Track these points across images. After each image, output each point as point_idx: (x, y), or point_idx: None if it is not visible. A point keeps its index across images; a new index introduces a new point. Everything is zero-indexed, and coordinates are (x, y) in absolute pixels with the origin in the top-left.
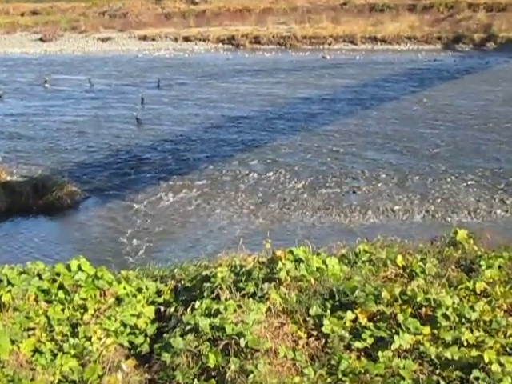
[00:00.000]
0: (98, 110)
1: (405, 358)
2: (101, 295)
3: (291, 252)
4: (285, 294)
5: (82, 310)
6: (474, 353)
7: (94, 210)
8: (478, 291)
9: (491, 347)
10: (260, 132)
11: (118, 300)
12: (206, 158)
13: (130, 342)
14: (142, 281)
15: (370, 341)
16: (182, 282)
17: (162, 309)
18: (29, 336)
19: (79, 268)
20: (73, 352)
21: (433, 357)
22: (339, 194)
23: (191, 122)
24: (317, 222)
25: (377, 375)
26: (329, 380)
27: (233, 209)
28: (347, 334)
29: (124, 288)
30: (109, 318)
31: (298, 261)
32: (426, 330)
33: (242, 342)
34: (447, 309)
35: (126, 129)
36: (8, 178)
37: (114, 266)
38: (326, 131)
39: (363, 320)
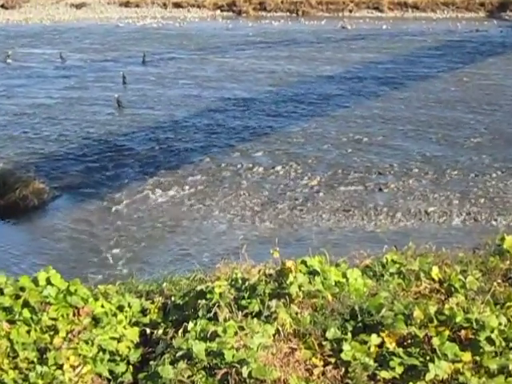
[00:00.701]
0: (70, 91)
1: None
2: (74, 314)
3: (304, 263)
4: (296, 314)
5: (51, 333)
6: None
7: (66, 211)
8: None
9: None
10: (266, 117)
11: (95, 320)
12: (202, 148)
13: (110, 371)
14: (123, 297)
15: (399, 370)
16: (173, 299)
17: (148, 331)
18: None
19: (48, 282)
20: (41, 383)
21: None
22: (362, 192)
23: (183, 105)
24: (335, 226)
25: None
26: None
27: (233, 210)
28: (372, 362)
29: (102, 306)
30: (84, 342)
31: (312, 273)
32: (467, 356)
33: (245, 372)
34: (492, 331)
35: (105, 113)
36: None
37: (91, 280)
38: (346, 116)
39: (391, 345)
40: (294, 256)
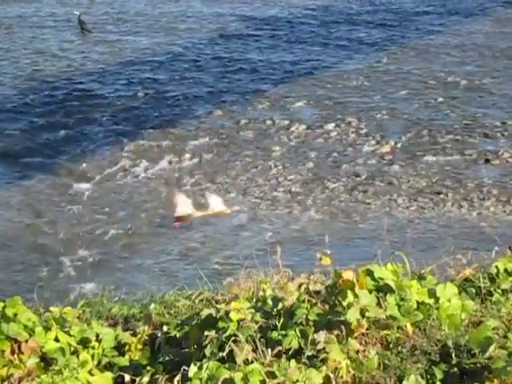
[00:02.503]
0: (6, 7)
1: None
2: (13, 352)
3: (370, 274)
4: (357, 353)
5: None
6: None
7: (1, 191)
8: None
9: None
10: (308, 47)
11: (46, 361)
12: (209, 95)
13: None
14: (89, 326)
15: None
16: (165, 329)
17: (128, 378)
18: None
19: None
20: None
21: None
22: (460, 164)
23: (180, 27)
24: (417, 216)
25: None
26: None
27: (259, 192)
28: None
29: (56, 339)
30: None
31: (381, 290)
32: None
33: None
34: None
35: (61, 40)
36: None
37: (38, 297)
38: (433, 46)
39: None
40: (354, 263)
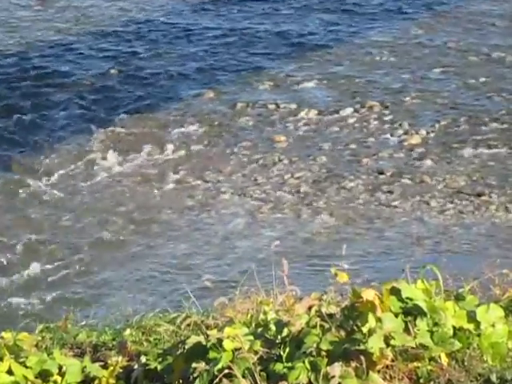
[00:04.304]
0: None
1: None
2: None
3: (396, 292)
4: None
5: None
6: None
7: None
8: None
9: None
10: (321, 14)
11: None
12: (198, 72)
13: None
14: (50, 355)
15: None
16: (142, 360)
17: None
18: None
19: None
20: None
21: None
22: (506, 158)
23: None
24: (454, 222)
25: None
26: None
27: (260, 192)
28: None
29: (10, 371)
30: None
31: (410, 313)
32: None
33: None
34: None
35: (16, 6)
36: None
37: None
38: (473, 12)
39: None
40: (377, 279)
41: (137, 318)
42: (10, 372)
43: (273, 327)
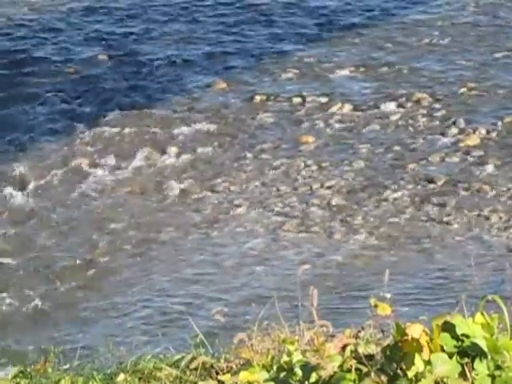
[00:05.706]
0: None
1: None
2: None
3: (449, 328)
4: None
5: None
6: None
7: None
8: None
9: None
10: None
11: None
12: (206, 59)
13: None
14: None
15: None
16: None
17: None
18: None
19: None
20: None
21: None
22: None
23: None
24: None
25: None
26: None
27: (282, 205)
28: None
29: None
30: None
31: (467, 353)
32: None
33: None
34: None
35: None
36: None
37: None
38: None
39: None
40: (426, 313)
41: (132, 360)
42: None
43: (299, 371)
